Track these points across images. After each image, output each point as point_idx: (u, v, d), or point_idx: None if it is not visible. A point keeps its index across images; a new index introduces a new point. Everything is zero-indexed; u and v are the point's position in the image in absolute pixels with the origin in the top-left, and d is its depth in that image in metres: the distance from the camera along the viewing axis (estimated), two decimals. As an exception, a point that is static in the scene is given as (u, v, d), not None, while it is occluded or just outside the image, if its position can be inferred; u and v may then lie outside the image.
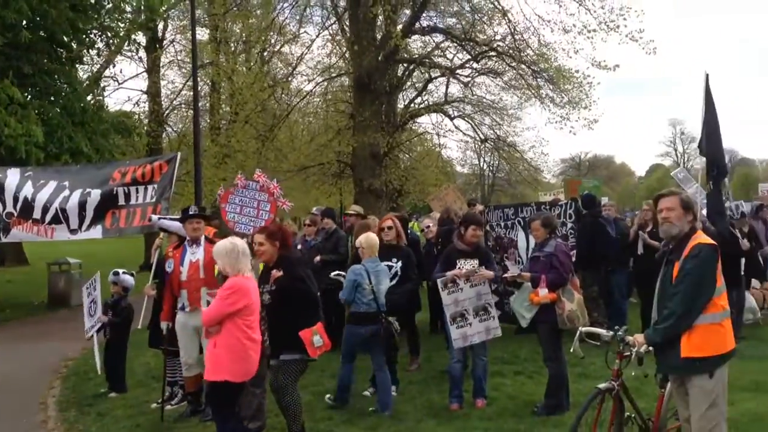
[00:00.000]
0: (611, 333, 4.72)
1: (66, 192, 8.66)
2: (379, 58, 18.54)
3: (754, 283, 11.04)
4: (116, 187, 8.36)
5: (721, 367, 4.34)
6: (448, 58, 22.49)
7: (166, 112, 26.87)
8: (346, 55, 20.49)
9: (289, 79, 22.01)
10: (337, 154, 21.97)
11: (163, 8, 21.11)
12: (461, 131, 25.91)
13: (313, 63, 22.10)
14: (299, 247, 9.96)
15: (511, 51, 19.07)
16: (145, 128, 24.42)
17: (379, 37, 19.02)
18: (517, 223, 10.21)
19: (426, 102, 26.01)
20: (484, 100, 24.64)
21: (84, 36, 17.38)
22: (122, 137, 19.28)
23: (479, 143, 26.89)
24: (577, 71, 18.67)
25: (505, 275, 7.04)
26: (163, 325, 7.10)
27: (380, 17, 18.65)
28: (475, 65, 21.20)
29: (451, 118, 25.23)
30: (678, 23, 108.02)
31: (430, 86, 25.34)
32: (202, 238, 7.00)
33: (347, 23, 19.89)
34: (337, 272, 7.65)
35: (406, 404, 7.14)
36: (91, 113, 16.64)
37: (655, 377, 4.91)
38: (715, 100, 9.15)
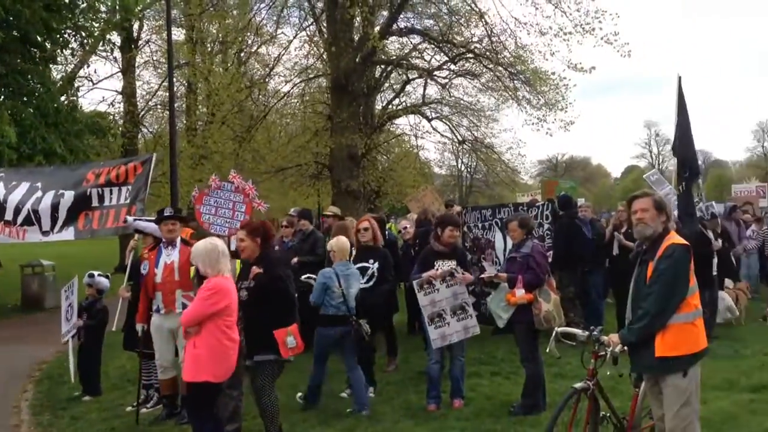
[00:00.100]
0: (587, 333, 4.76)
1: (39, 193, 8.56)
2: (357, 60, 18.51)
3: (728, 282, 11.19)
4: (90, 189, 8.27)
5: (694, 366, 4.40)
6: (425, 60, 22.52)
7: (142, 112, 26.62)
8: (324, 56, 20.41)
9: (267, 80, 21.91)
10: (315, 156, 21.90)
11: (139, 8, 20.93)
12: (439, 133, 26.00)
13: (291, 64, 22.06)
14: (276, 248, 9.90)
15: (488, 53, 19.12)
16: (120, 129, 24.22)
17: (356, 38, 18.98)
18: (494, 224, 10.25)
19: (404, 103, 26.04)
20: (462, 101, 24.69)
21: (58, 36, 17.19)
22: (97, 138, 19.09)
23: (457, 145, 26.95)
24: (553, 73, 18.76)
25: (482, 276, 7.07)
26: (139, 327, 7.02)
27: (358, 18, 18.62)
28: (452, 67, 21.22)
29: (429, 120, 25.28)
30: (653, 26, 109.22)
31: (408, 88, 25.42)
32: (178, 240, 6.95)
33: (324, 24, 19.82)
34: (307, 275, 7.65)
35: (384, 405, 7.14)
36: (65, 114, 16.47)
37: (630, 376, 4.95)
38: (689, 103, 9.28)
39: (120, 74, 26.34)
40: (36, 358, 10.60)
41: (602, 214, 23.64)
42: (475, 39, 19.63)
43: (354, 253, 7.84)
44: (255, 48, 21.57)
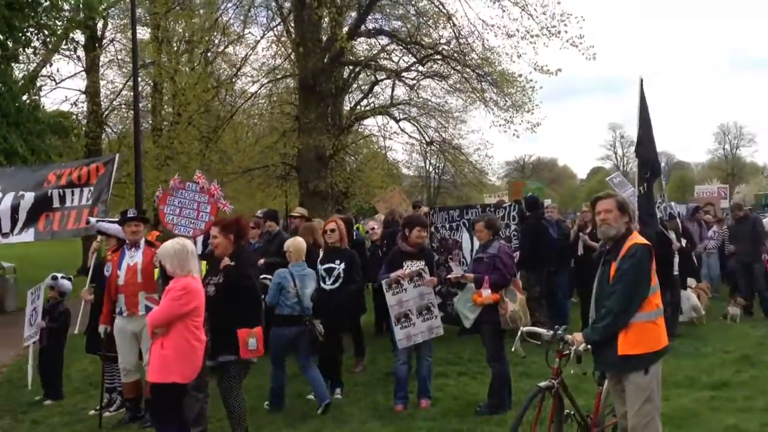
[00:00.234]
0: (551, 332, 4.81)
1: (-1, 195, 8.35)
2: (325, 60, 18.48)
3: (690, 282, 11.38)
4: (51, 190, 8.09)
5: (656, 364, 4.47)
6: (393, 61, 22.56)
7: (106, 112, 26.18)
8: (292, 56, 20.33)
9: (234, 80, 21.71)
10: (283, 156, 21.76)
11: (103, 6, 20.65)
12: (407, 134, 26.01)
13: (258, 64, 21.87)
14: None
15: (455, 54, 19.24)
16: (84, 129, 23.84)
17: (324, 39, 18.96)
18: (462, 224, 10.31)
19: (372, 104, 26.03)
20: (430, 102, 24.78)
21: (20, 34, 16.80)
22: (59, 138, 18.78)
23: (425, 146, 27.01)
24: (520, 75, 18.94)
25: (449, 276, 7.11)
26: (101, 328, 6.93)
27: (325, 19, 18.60)
28: (420, 68, 21.30)
29: (397, 121, 25.31)
30: (616, 29, 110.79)
31: (376, 89, 25.45)
32: (142, 242, 6.87)
33: (292, 25, 19.73)
34: (263, 275, 7.62)
35: (351, 406, 7.13)
36: (26, 113, 16.14)
37: (594, 375, 5.01)
38: (653, 105, 9.40)
39: (83, 73, 25.86)
40: (-5, 361, 10.37)
41: (568, 214, 23.92)
42: (443, 41, 19.76)
43: (321, 254, 7.83)
44: (222, 48, 21.35)
